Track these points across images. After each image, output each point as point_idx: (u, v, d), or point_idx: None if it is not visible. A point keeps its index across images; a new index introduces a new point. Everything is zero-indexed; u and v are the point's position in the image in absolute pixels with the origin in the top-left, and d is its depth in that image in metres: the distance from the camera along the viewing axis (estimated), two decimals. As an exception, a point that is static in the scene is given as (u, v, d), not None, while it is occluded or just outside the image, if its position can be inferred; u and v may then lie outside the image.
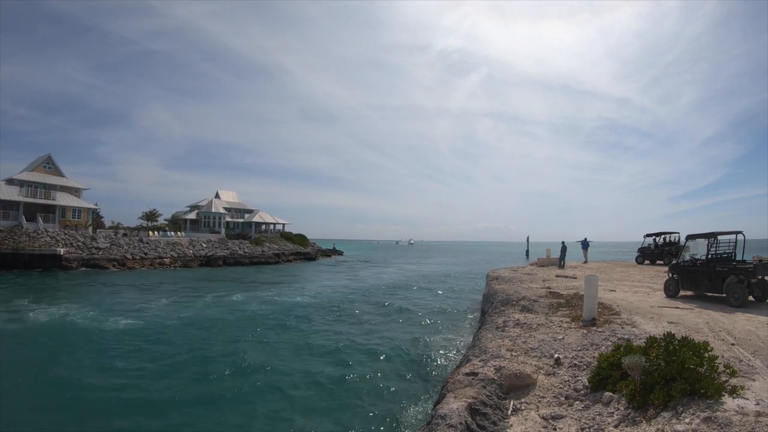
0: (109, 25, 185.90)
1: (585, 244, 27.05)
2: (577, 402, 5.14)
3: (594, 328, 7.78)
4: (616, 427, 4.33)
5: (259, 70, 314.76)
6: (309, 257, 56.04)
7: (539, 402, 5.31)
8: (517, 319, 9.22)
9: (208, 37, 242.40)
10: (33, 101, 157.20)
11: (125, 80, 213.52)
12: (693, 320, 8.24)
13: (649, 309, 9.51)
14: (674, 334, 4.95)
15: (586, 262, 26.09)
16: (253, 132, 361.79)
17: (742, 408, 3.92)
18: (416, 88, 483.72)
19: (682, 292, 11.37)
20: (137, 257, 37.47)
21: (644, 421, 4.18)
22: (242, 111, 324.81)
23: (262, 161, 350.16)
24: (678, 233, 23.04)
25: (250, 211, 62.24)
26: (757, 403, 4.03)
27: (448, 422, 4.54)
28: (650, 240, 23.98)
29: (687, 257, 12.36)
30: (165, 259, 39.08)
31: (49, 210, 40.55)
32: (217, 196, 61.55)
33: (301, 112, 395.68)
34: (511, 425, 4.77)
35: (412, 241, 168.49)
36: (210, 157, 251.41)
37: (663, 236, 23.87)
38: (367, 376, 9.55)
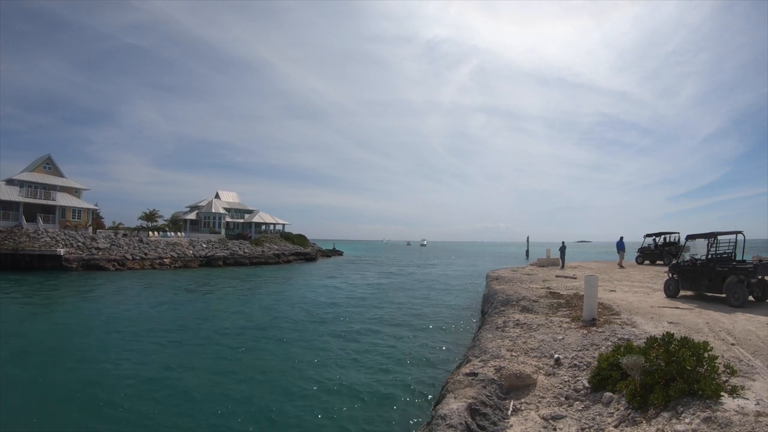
0: (85, 20, 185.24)
1: (620, 245, 22.32)
2: (577, 402, 5.14)
3: (594, 328, 7.78)
4: (616, 427, 4.33)
5: (238, 63, 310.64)
6: (309, 258, 56.01)
7: (539, 402, 5.31)
8: (517, 320, 9.22)
9: (184, 30, 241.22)
10: (17, 99, 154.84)
11: (107, 76, 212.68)
12: (693, 320, 8.23)
13: (649, 309, 9.51)
14: (674, 334, 4.95)
15: (621, 266, 21.74)
16: (242, 130, 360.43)
17: (742, 408, 3.92)
18: (405, 82, 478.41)
19: (682, 292, 11.37)
20: (137, 258, 37.45)
21: (644, 422, 4.18)
22: (228, 108, 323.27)
23: (254, 159, 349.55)
24: (678, 233, 23.06)
25: (250, 212, 62.24)
26: (757, 403, 4.04)
27: (448, 422, 4.54)
28: (650, 240, 23.98)
29: (687, 257, 12.36)
30: (165, 260, 39.07)
31: (49, 210, 40.54)
32: (217, 196, 61.55)
33: (289, 109, 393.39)
34: (511, 425, 4.77)
35: (425, 242, 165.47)
36: (201, 156, 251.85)
37: (663, 236, 23.88)
38: (366, 376, 9.54)
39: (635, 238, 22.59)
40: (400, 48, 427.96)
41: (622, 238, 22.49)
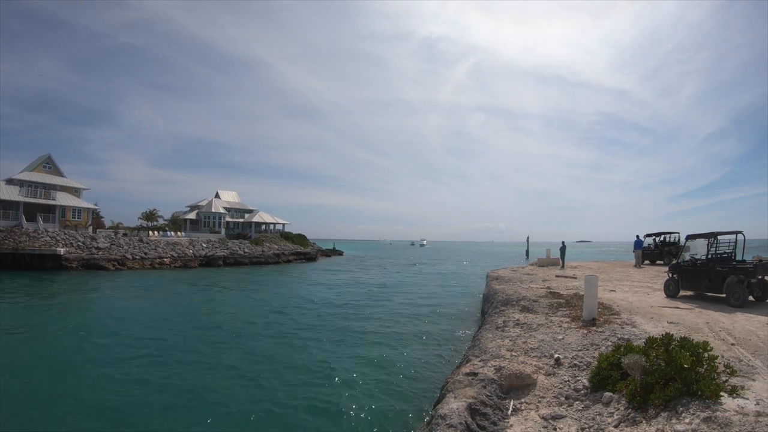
0: (81, 19, 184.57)
1: (639, 244, 22.17)
2: (577, 402, 5.14)
3: (594, 328, 7.78)
4: (616, 427, 4.33)
5: (236, 63, 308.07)
6: (309, 257, 56.02)
7: (539, 402, 5.31)
8: (517, 319, 9.22)
9: (181, 29, 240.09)
10: (14, 99, 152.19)
11: (105, 76, 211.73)
12: (693, 320, 8.23)
13: (649, 309, 9.51)
14: (674, 334, 4.95)
15: (637, 265, 21.70)
16: (240, 129, 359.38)
17: (742, 408, 3.92)
18: (403, 81, 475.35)
19: (682, 292, 11.37)
20: (137, 257, 37.44)
21: (644, 421, 4.18)
22: (226, 107, 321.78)
23: (254, 159, 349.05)
24: (678, 233, 23.06)
25: (250, 211, 62.23)
26: (757, 403, 4.04)
27: (448, 422, 4.54)
28: (650, 240, 23.98)
29: (687, 257, 12.36)
30: (165, 259, 39.06)
31: (49, 210, 40.52)
32: (217, 196, 61.53)
33: (287, 109, 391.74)
34: (511, 425, 4.77)
35: (425, 242, 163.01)
36: (200, 156, 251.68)
37: (663, 236, 23.87)
38: (366, 375, 9.54)
39: (635, 238, 22.65)
40: (397, 46, 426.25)
41: (638, 236, 22.32)
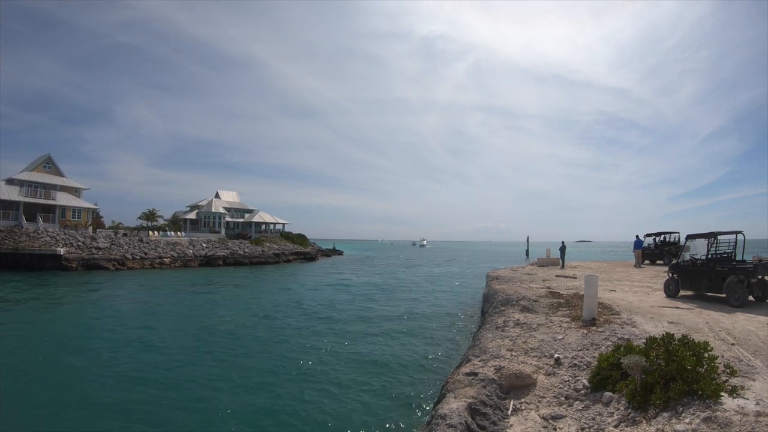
0: (79, 18, 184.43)
1: (639, 244, 22.13)
2: (577, 402, 5.14)
3: (594, 328, 7.78)
4: (616, 427, 4.33)
5: (234, 62, 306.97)
6: (309, 257, 56.05)
7: (539, 402, 5.31)
8: (517, 319, 9.22)
9: (180, 29, 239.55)
10: (12, 98, 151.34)
11: (103, 75, 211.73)
12: (693, 320, 8.23)
13: (649, 309, 9.51)
14: (674, 334, 4.95)
15: (637, 265, 21.72)
16: (239, 129, 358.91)
17: (742, 408, 3.92)
18: (401, 80, 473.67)
19: (682, 292, 11.37)
20: (137, 257, 37.44)
21: (644, 421, 4.18)
22: (224, 107, 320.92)
23: (253, 159, 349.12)
24: (678, 233, 23.06)
25: (250, 211, 62.24)
26: (757, 403, 4.04)
27: (448, 422, 4.54)
28: (650, 240, 23.99)
29: (687, 257, 12.35)
30: (165, 259, 39.06)
31: (49, 210, 40.53)
32: (217, 196, 61.55)
33: (286, 108, 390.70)
34: (511, 425, 4.77)
35: (425, 242, 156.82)
36: (199, 156, 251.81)
37: (663, 236, 23.87)
38: (367, 376, 9.54)
39: (635, 238, 22.67)
40: (396, 45, 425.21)
41: (638, 236, 22.36)
